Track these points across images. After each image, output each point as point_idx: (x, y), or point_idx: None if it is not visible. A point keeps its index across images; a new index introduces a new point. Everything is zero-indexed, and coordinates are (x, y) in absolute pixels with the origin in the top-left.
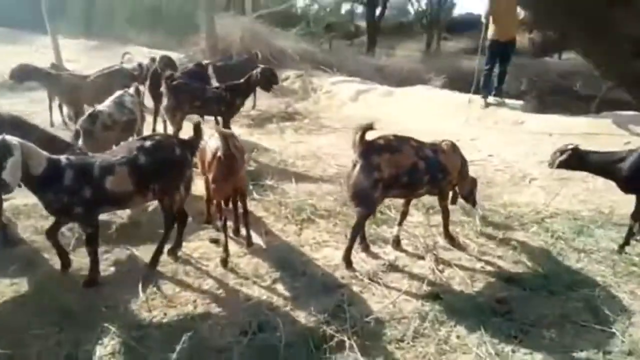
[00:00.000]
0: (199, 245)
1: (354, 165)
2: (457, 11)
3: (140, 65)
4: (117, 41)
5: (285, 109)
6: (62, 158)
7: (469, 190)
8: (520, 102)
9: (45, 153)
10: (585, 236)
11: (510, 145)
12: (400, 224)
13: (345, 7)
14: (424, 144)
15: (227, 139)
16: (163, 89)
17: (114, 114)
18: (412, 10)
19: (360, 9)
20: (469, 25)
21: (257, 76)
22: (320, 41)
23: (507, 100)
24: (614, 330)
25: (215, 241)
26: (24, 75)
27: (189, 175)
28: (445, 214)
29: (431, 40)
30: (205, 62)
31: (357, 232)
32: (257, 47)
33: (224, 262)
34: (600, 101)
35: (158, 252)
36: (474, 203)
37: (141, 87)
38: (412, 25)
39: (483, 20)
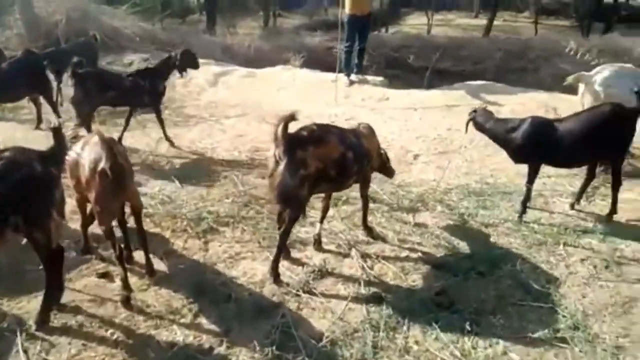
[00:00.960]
0: (84, 283)
1: (277, 163)
2: None
3: None
4: None
5: None
6: None
7: (382, 164)
8: (380, 78)
9: None
10: (484, 209)
11: (385, 123)
12: (321, 221)
13: None
14: (345, 131)
15: (112, 146)
16: (70, 78)
17: None
18: None
19: None
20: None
21: (177, 58)
22: (153, 20)
23: (368, 77)
24: (551, 305)
25: (104, 275)
26: None
27: (61, 196)
28: (365, 204)
29: (268, 18)
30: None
31: (286, 239)
32: (88, 27)
33: (127, 302)
34: (430, 71)
35: (47, 304)
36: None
37: None
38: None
39: None
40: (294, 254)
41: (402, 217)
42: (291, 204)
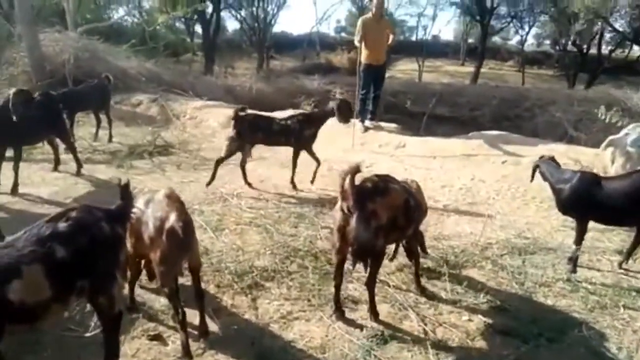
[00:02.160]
0: (136, 347)
1: (346, 216)
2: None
3: None
4: None
5: (153, 140)
6: None
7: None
8: (394, 125)
9: None
10: (533, 267)
11: (406, 171)
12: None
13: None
14: (401, 182)
15: (181, 203)
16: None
17: None
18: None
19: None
20: (289, 45)
21: (334, 109)
22: (154, 60)
23: (382, 124)
24: None
25: (156, 338)
26: None
27: (125, 258)
28: (417, 261)
29: (262, 60)
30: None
31: (374, 289)
32: (95, 67)
33: None
34: (427, 116)
35: None
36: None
37: None
38: (242, 43)
39: (357, 44)
40: (348, 314)
41: (450, 274)
42: (370, 256)
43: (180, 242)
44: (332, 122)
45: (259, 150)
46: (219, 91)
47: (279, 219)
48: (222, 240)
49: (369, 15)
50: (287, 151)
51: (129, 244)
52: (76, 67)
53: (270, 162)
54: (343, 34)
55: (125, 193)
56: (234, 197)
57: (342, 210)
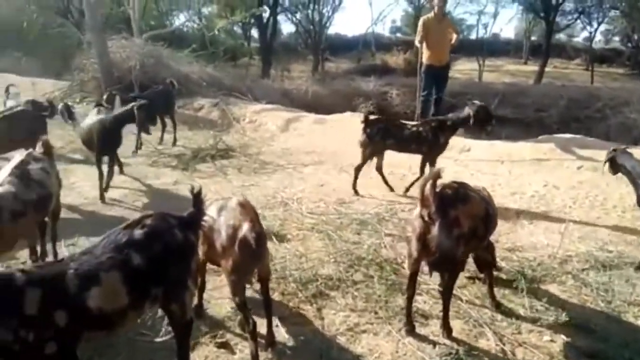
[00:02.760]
0: (204, 354)
1: (426, 224)
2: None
3: (50, 104)
4: None
5: (215, 144)
6: (16, 273)
7: None
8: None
9: None
10: (620, 284)
11: (472, 177)
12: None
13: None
14: (478, 190)
15: (254, 212)
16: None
17: (21, 194)
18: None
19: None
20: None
21: (470, 115)
22: (214, 64)
23: None
24: None
25: (223, 346)
26: None
27: (196, 265)
28: (491, 273)
29: (317, 62)
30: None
31: (450, 299)
32: (159, 73)
33: None
34: None
35: None
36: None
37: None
38: (298, 46)
39: (417, 44)
40: (418, 329)
41: (528, 289)
42: (450, 265)
43: (253, 252)
44: None
45: (317, 154)
46: (276, 94)
47: (340, 225)
48: (284, 246)
49: (430, 14)
50: (345, 154)
51: (200, 250)
52: (142, 72)
53: (328, 167)
54: (398, 34)
55: (197, 200)
56: (294, 201)
57: (422, 217)
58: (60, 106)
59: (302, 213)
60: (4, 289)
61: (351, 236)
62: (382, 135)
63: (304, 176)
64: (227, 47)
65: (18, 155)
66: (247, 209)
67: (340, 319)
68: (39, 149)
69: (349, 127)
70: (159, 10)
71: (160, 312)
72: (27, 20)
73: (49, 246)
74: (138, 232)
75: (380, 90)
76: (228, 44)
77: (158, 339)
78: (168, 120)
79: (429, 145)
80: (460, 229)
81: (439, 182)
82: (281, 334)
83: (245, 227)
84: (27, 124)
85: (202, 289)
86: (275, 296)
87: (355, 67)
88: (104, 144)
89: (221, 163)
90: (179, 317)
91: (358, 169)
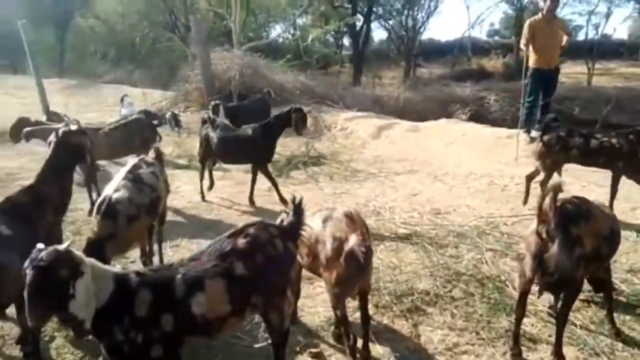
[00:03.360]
0: None
1: (544, 241)
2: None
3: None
4: (91, 79)
5: (307, 151)
6: (132, 274)
7: None
8: None
9: (111, 269)
10: None
11: (584, 189)
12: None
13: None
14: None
15: (365, 226)
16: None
17: (135, 198)
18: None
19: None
20: (437, 52)
21: None
22: (306, 73)
23: None
24: None
25: (318, 356)
26: (31, 136)
27: (296, 275)
28: (610, 297)
29: (409, 68)
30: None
31: (564, 326)
32: (256, 82)
33: None
34: (600, 125)
35: None
36: None
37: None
38: (389, 52)
39: (522, 47)
40: (525, 354)
41: None
42: (567, 287)
43: (360, 266)
44: (491, 132)
45: (409, 162)
46: (367, 101)
47: (436, 237)
48: (377, 256)
49: (538, 16)
50: (439, 163)
51: (300, 259)
52: (240, 82)
53: (421, 175)
54: (496, 38)
55: (298, 210)
56: (386, 210)
57: (538, 234)
58: (168, 114)
59: (394, 223)
60: (120, 288)
61: (448, 249)
62: (562, 146)
63: (396, 185)
64: (320, 56)
65: (131, 161)
66: (355, 221)
67: (439, 337)
68: (150, 155)
69: (444, 134)
70: (257, 22)
71: (257, 317)
72: (139, 36)
73: (155, 247)
74: (241, 241)
75: (477, 96)
76: (321, 52)
77: (257, 345)
78: None
79: (628, 161)
80: (582, 249)
81: (559, 196)
82: (376, 349)
83: (353, 241)
84: (141, 132)
85: (296, 297)
86: (369, 308)
87: (450, 73)
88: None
89: (312, 170)
90: (278, 326)
91: (543, 185)
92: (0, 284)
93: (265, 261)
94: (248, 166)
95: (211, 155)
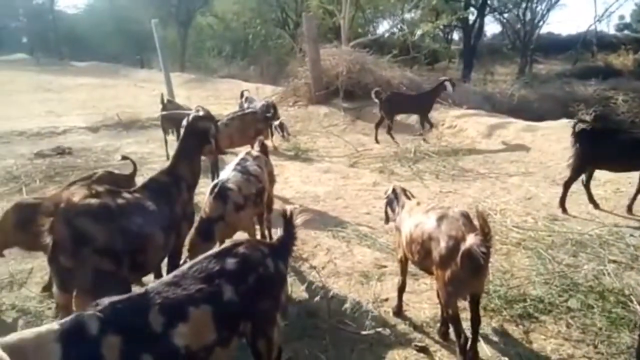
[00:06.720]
0: (404, 355)
1: None
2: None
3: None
4: (207, 73)
5: (414, 148)
6: (87, 320)
7: None
8: None
9: (49, 329)
10: None
11: None
12: None
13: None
14: None
15: (487, 226)
16: None
17: (243, 188)
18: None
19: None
20: (556, 47)
21: None
22: (412, 68)
23: None
24: None
25: (423, 350)
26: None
27: (286, 298)
28: None
29: (525, 64)
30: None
31: None
32: (363, 78)
33: None
34: None
35: None
36: None
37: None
38: (502, 47)
39: None
40: None
41: None
42: None
43: (477, 267)
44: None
45: (524, 164)
46: (477, 99)
47: (552, 243)
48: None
49: None
50: (558, 166)
51: (410, 256)
52: (347, 78)
53: (537, 178)
54: (627, 32)
55: (289, 225)
56: (497, 212)
57: None
58: (276, 123)
59: (506, 226)
60: (72, 346)
61: (566, 258)
62: (596, 145)
63: (508, 186)
64: (428, 51)
65: (242, 153)
66: (472, 221)
67: (552, 346)
68: (255, 148)
69: (564, 136)
70: (365, 18)
71: (365, 306)
72: (252, 33)
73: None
74: (230, 262)
75: (603, 95)
76: (430, 47)
77: (363, 332)
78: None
79: None
80: None
81: None
82: (484, 351)
83: (471, 240)
84: (256, 124)
85: (402, 290)
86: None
87: (571, 69)
88: None
89: (418, 167)
90: (266, 353)
91: (586, 187)
92: (146, 253)
93: (255, 284)
94: (350, 161)
95: None
